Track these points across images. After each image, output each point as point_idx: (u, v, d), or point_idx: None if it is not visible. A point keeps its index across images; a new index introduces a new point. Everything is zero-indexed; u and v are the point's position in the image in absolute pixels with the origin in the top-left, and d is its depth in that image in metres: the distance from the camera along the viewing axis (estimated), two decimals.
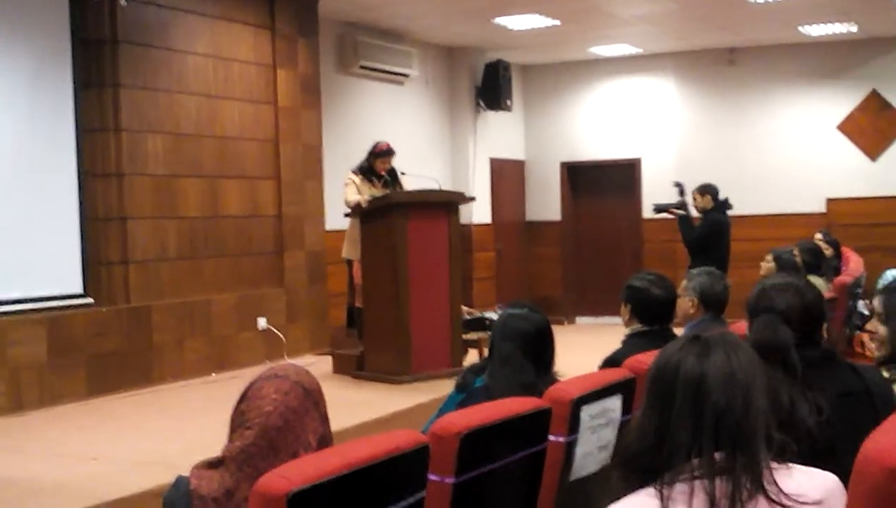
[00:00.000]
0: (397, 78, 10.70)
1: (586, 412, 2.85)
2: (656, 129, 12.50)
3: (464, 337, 7.69)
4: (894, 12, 9.99)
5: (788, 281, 2.75)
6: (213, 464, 2.19)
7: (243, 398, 2.24)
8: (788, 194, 11.85)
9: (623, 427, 2.98)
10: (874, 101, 11.60)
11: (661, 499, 1.67)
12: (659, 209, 9.29)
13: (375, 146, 7.96)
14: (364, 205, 7.43)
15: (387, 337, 7.25)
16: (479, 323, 8.11)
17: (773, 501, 1.66)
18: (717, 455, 1.68)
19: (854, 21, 10.56)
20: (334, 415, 2.32)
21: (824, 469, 1.78)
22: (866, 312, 6.80)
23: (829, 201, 11.77)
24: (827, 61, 11.75)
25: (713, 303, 4.34)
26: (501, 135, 12.50)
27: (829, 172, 11.74)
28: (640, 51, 12.17)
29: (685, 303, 4.33)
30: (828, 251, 8.13)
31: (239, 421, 2.21)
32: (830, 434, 2.36)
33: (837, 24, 10.73)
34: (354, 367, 7.57)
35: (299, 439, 2.18)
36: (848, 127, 11.73)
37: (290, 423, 2.17)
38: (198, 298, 7.93)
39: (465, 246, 10.55)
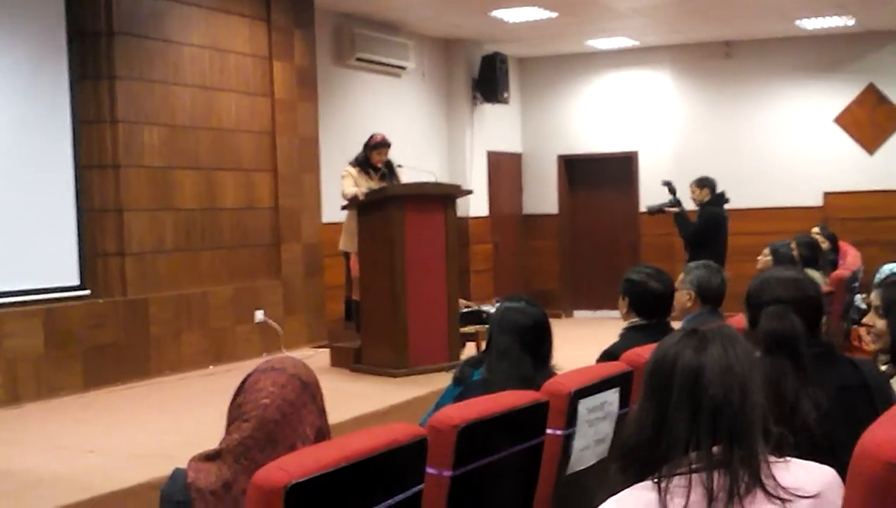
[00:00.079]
0: (394, 70, 10.68)
1: (584, 405, 2.85)
2: (653, 122, 12.50)
3: (461, 330, 7.69)
4: (891, 5, 9.99)
5: (790, 274, 2.75)
6: (210, 457, 2.19)
7: (240, 391, 2.24)
8: (785, 188, 11.86)
9: (620, 420, 2.98)
10: (871, 95, 11.61)
11: (659, 492, 1.67)
12: (652, 211, 9.30)
13: (371, 138, 7.96)
14: (361, 197, 7.42)
15: (384, 330, 7.25)
16: (477, 317, 8.11)
17: (771, 494, 1.66)
18: (714, 449, 1.68)
19: (851, 14, 10.56)
20: (331, 408, 2.32)
21: (822, 462, 1.78)
22: (863, 306, 6.81)
23: (827, 195, 11.78)
24: (824, 55, 11.75)
25: (710, 297, 4.35)
26: (498, 127, 12.49)
27: (826, 166, 11.75)
28: (636, 43, 12.16)
29: (683, 297, 4.34)
30: (825, 245, 8.12)
31: (236, 413, 2.21)
32: (829, 428, 2.36)
33: (834, 18, 10.73)
34: (352, 360, 7.58)
35: (297, 432, 2.18)
36: (845, 120, 11.73)
37: (287, 416, 2.17)
38: (194, 290, 7.92)
39: (463, 239, 10.55)
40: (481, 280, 11.87)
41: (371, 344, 7.42)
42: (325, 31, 9.72)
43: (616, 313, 4.31)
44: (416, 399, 6.45)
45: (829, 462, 1.79)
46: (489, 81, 11.69)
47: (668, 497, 1.66)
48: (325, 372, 7.21)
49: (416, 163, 8.89)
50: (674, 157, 12.24)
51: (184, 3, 7.89)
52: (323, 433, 2.23)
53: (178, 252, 7.82)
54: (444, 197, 7.56)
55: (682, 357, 1.75)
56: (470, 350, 7.70)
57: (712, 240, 8.56)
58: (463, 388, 3.39)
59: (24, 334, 6.64)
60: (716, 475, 1.66)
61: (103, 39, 7.26)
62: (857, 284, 7.69)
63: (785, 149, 11.93)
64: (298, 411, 2.19)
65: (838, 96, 11.73)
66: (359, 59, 10.03)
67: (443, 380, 5.70)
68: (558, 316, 12.20)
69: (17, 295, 6.75)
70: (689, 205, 9.10)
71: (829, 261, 7.78)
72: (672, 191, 9.07)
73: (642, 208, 9.72)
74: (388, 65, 10.47)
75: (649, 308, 4.03)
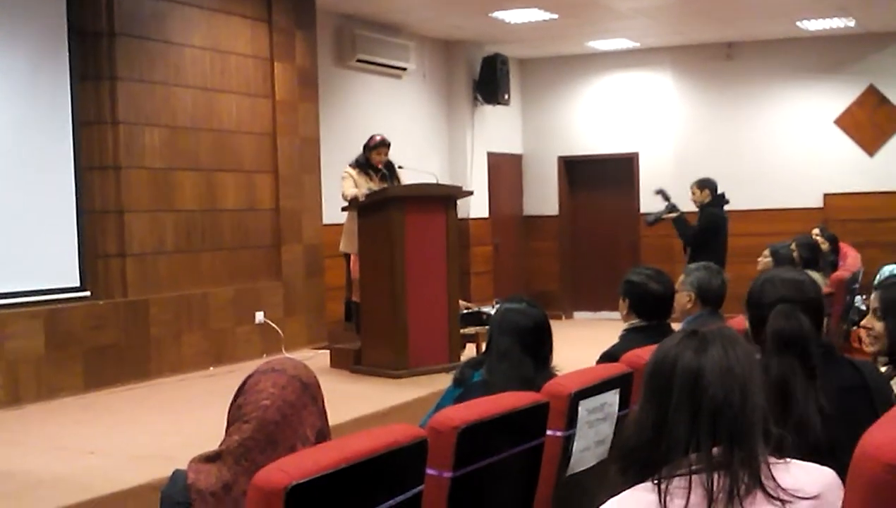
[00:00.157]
0: (395, 71, 10.68)
1: (584, 406, 2.85)
2: (654, 124, 12.50)
3: (461, 331, 7.69)
4: (892, 7, 10.00)
5: (791, 275, 2.76)
6: (210, 458, 2.19)
7: (240, 392, 2.24)
8: (786, 189, 11.86)
9: (620, 421, 2.98)
10: (872, 96, 11.61)
11: (659, 493, 1.67)
12: (652, 222, 9.32)
13: (370, 139, 7.96)
14: (361, 198, 7.42)
15: (384, 332, 7.25)
16: (477, 318, 8.11)
17: (771, 496, 1.67)
18: (714, 450, 1.68)
19: (852, 16, 10.56)
20: (332, 409, 2.32)
21: (822, 464, 1.79)
22: (864, 307, 6.81)
23: (827, 196, 11.78)
24: (825, 56, 11.75)
25: (711, 298, 4.35)
26: (499, 129, 12.49)
27: (826, 167, 11.75)
28: (637, 45, 12.16)
29: (683, 298, 4.34)
30: (825, 246, 8.13)
31: (236, 414, 2.21)
32: (830, 429, 2.36)
33: (835, 19, 10.73)
34: (352, 361, 7.58)
35: (297, 433, 2.18)
36: (845, 122, 11.73)
37: (287, 417, 2.17)
38: (195, 292, 7.93)
39: (463, 240, 10.55)
40: (481, 281, 11.87)
41: (371, 345, 7.42)
42: (327, 33, 9.73)
43: (616, 314, 4.31)
44: (416, 400, 6.45)
45: (828, 463, 1.79)
46: (490, 82, 11.69)
47: (668, 498, 1.66)
48: (326, 374, 7.21)
49: (417, 165, 8.89)
50: (674, 159, 12.24)
51: (185, 4, 7.90)
52: (323, 434, 2.23)
53: (178, 253, 7.82)
54: (444, 198, 7.56)
55: (683, 358, 1.75)
56: (470, 351, 7.69)
57: (712, 242, 8.56)
58: (463, 389, 3.39)
59: (25, 335, 6.64)
60: (716, 476, 1.66)
61: (104, 40, 7.27)
62: (857, 285, 7.69)
63: (785, 151, 11.93)
64: (299, 412, 2.19)
65: (839, 97, 11.73)
66: (360, 61, 10.03)
67: (443, 382, 5.71)
68: (558, 318, 12.20)
69: (17, 297, 6.75)
70: (689, 206, 9.10)
71: (829, 263, 7.78)
72: (666, 198, 9.08)
73: (647, 203, 9.71)
74: (388, 66, 10.48)
75: (649, 309, 4.04)
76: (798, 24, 10.94)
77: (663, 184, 10.23)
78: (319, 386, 2.28)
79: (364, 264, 7.52)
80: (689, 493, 1.65)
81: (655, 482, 1.68)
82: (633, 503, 1.69)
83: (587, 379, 2.95)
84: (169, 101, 7.74)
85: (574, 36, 11.54)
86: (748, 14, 10.49)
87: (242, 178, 8.43)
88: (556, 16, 10.19)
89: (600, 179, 12.99)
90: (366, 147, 7.94)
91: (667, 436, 1.71)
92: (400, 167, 8.10)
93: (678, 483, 1.67)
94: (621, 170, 12.72)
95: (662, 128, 12.46)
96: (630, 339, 3.89)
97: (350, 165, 7.91)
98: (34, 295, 6.85)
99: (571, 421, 2.81)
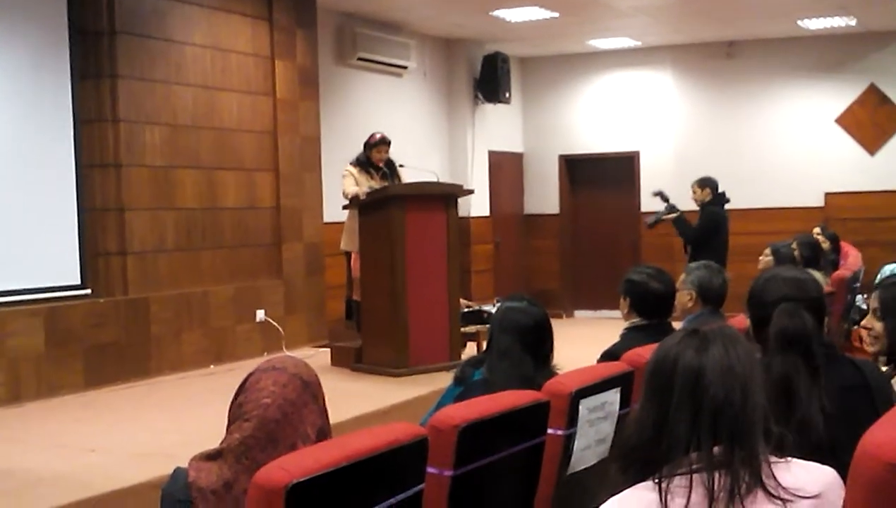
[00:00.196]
0: (395, 70, 10.68)
1: (585, 405, 2.85)
2: (654, 123, 12.49)
3: (462, 329, 7.69)
4: (893, 6, 9.99)
5: (793, 274, 2.75)
6: (211, 456, 2.19)
7: (241, 390, 2.24)
8: (787, 188, 11.85)
9: (621, 420, 2.98)
10: (873, 95, 11.60)
11: (660, 492, 1.67)
12: (652, 224, 9.34)
13: (370, 137, 7.96)
14: (362, 197, 7.42)
15: (385, 330, 7.25)
16: (478, 316, 8.12)
17: (772, 495, 1.67)
18: (715, 449, 1.68)
19: (853, 15, 10.56)
20: (332, 408, 2.32)
21: (823, 463, 1.79)
22: (864, 306, 6.80)
23: (828, 195, 11.78)
24: (825, 55, 11.74)
25: (712, 297, 4.35)
26: (500, 127, 12.49)
27: (827, 166, 11.74)
28: (638, 43, 12.16)
29: (684, 297, 4.34)
30: (826, 245, 8.12)
31: (237, 413, 2.21)
32: (831, 429, 2.36)
33: (836, 18, 10.73)
34: (352, 360, 7.58)
35: (298, 431, 2.18)
36: (846, 121, 11.73)
37: (288, 416, 2.17)
38: (195, 290, 7.93)
39: (464, 238, 10.55)
40: (482, 279, 11.87)
41: (372, 343, 7.43)
42: (327, 31, 9.72)
43: (617, 313, 4.31)
44: (416, 398, 6.45)
45: (829, 462, 1.79)
46: (490, 81, 11.69)
47: (668, 497, 1.66)
48: (326, 372, 7.21)
49: (418, 163, 8.89)
50: (675, 157, 12.24)
51: (186, 2, 7.90)
52: (324, 432, 2.23)
53: (179, 251, 7.82)
54: (445, 196, 7.56)
55: (684, 357, 1.75)
56: (471, 350, 7.70)
57: (713, 240, 8.56)
58: (464, 388, 3.38)
59: (26, 333, 6.64)
60: (717, 475, 1.66)
61: (105, 38, 7.27)
62: (858, 284, 7.69)
63: (786, 150, 11.93)
64: (299, 410, 2.19)
65: (840, 96, 11.73)
66: (360, 59, 10.03)
67: (443, 380, 5.71)
68: (559, 316, 12.20)
69: (18, 295, 6.75)
70: (688, 205, 9.11)
71: (830, 262, 7.78)
72: (665, 199, 9.09)
73: (648, 202, 9.72)
74: (389, 64, 10.48)
75: (650, 308, 4.03)
76: (799, 22, 10.93)
77: (664, 182, 10.25)
78: (320, 385, 2.28)
79: (365, 262, 7.52)
80: (690, 492, 1.65)
81: (656, 481, 1.68)
82: (634, 502, 1.69)
83: (588, 377, 2.95)
84: (170, 99, 7.74)
85: (575, 34, 11.53)
86: (749, 13, 10.49)
87: (243, 177, 8.43)
88: (556, 14, 10.19)
89: (601, 178, 12.98)
90: (366, 145, 7.94)
91: (668, 435, 1.71)
92: (401, 165, 8.09)
93: (679, 482, 1.67)
94: (622, 168, 12.71)
95: (663, 127, 12.46)
96: (631, 338, 3.89)
97: (351, 164, 7.90)
98: (35, 293, 6.85)
99: (572, 419, 2.81)
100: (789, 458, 1.75)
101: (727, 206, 9.05)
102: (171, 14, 7.78)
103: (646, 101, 12.54)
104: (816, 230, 8.76)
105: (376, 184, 7.73)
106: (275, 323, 8.50)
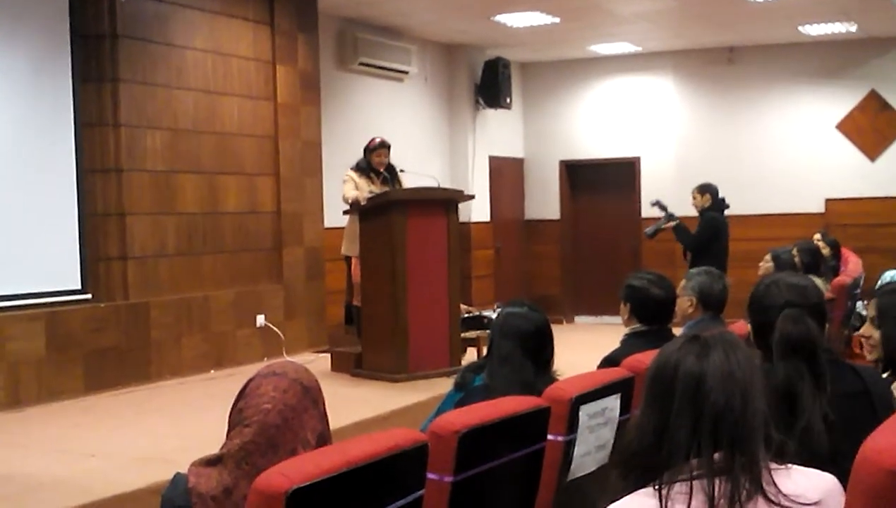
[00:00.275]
0: (396, 75, 10.69)
1: (585, 411, 2.85)
2: (655, 128, 12.50)
3: (462, 335, 7.69)
4: (893, 12, 9.99)
5: (795, 280, 2.75)
6: (211, 462, 2.19)
7: (242, 395, 2.24)
8: (787, 194, 11.85)
9: (621, 426, 2.98)
10: (873, 101, 11.61)
11: (660, 499, 1.67)
12: (651, 235, 9.35)
13: (370, 141, 7.96)
14: (363, 202, 7.42)
15: (385, 335, 7.25)
16: (478, 322, 8.11)
17: (772, 501, 1.66)
18: (716, 456, 1.68)
19: (853, 21, 10.56)
20: (332, 413, 2.32)
21: (823, 469, 1.78)
22: (864, 313, 6.79)
23: (828, 201, 11.78)
24: (826, 61, 11.75)
25: (712, 303, 4.34)
26: (500, 132, 12.49)
27: (827, 172, 11.75)
28: (639, 49, 12.17)
29: (684, 303, 4.33)
30: (826, 251, 8.13)
31: (237, 418, 2.21)
32: (832, 436, 2.36)
33: (837, 24, 10.73)
34: (353, 365, 7.57)
35: (298, 437, 2.18)
36: (847, 127, 11.73)
37: (288, 421, 2.17)
38: (196, 294, 7.93)
39: (464, 244, 10.55)
40: (483, 285, 11.87)
41: (372, 348, 7.42)
42: (329, 36, 9.74)
43: (617, 319, 4.30)
44: (417, 404, 6.45)
45: (830, 469, 1.79)
46: (491, 86, 11.70)
47: (669, 503, 1.66)
48: (326, 377, 7.21)
49: (419, 168, 8.90)
50: (676, 163, 12.24)
51: (187, 6, 7.90)
52: (324, 438, 2.23)
53: (179, 256, 7.82)
54: (446, 201, 7.56)
55: (684, 363, 1.75)
56: (471, 355, 7.70)
57: (713, 246, 8.58)
58: (464, 394, 3.38)
59: (26, 337, 6.64)
60: (717, 481, 1.66)
61: (106, 42, 7.27)
62: (858, 291, 7.68)
63: (787, 155, 11.93)
64: (300, 416, 2.19)
65: (840, 102, 11.73)
66: (362, 64, 10.04)
67: (444, 386, 5.70)
68: (559, 322, 12.20)
69: (18, 299, 6.75)
70: (687, 211, 9.12)
71: (830, 268, 7.78)
72: (663, 208, 9.11)
73: (648, 207, 9.73)
74: (390, 69, 10.48)
75: (651, 314, 4.03)
76: (800, 28, 10.94)
77: (664, 188, 10.27)
78: (320, 390, 2.28)
79: (365, 267, 7.51)
80: (691, 499, 1.65)
81: (656, 487, 1.68)
82: None
83: (588, 383, 2.95)
84: (171, 104, 7.74)
85: (576, 40, 11.54)
86: (749, 18, 10.50)
87: (244, 181, 8.44)
88: (557, 20, 10.20)
89: (602, 183, 12.99)
90: (366, 149, 7.94)
91: (668, 441, 1.70)
92: (402, 170, 8.10)
93: (679, 488, 1.67)
94: (623, 174, 12.71)
95: (664, 133, 12.46)
96: (631, 344, 3.89)
97: (352, 168, 7.91)
98: (35, 298, 6.85)
99: (572, 425, 2.81)
100: (790, 465, 1.75)
101: (727, 212, 9.06)
102: (172, 18, 7.79)
103: (646, 107, 12.55)
104: (817, 236, 8.76)
105: (377, 188, 7.73)
106: (275, 328, 8.49)
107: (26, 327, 6.65)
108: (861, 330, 3.16)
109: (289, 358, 7.67)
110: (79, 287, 7.22)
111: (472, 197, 8.24)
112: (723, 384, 1.71)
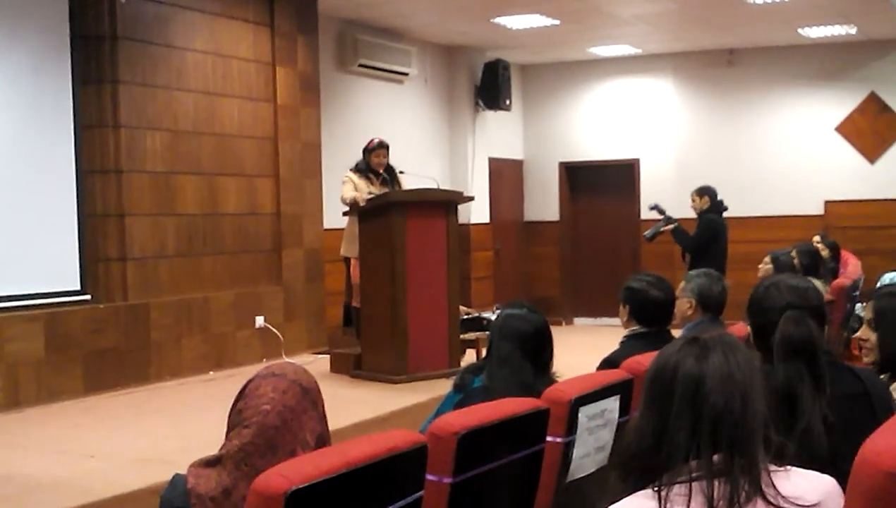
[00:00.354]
0: (396, 76, 10.69)
1: (584, 413, 2.85)
2: (655, 130, 12.50)
3: (462, 336, 7.69)
4: (893, 14, 10.00)
5: (795, 282, 2.75)
6: (210, 463, 2.19)
7: (241, 396, 2.24)
8: (786, 196, 11.86)
9: (621, 428, 2.98)
10: (873, 104, 11.61)
11: (659, 500, 1.67)
12: (650, 238, 9.37)
13: (369, 142, 7.96)
14: (362, 203, 7.42)
15: (384, 337, 7.25)
16: (477, 323, 8.11)
17: (771, 503, 1.66)
18: (715, 457, 1.68)
19: (853, 23, 10.57)
20: (332, 414, 2.32)
21: (822, 471, 1.78)
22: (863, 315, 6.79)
23: (828, 203, 11.78)
24: (826, 63, 11.75)
25: (711, 305, 4.35)
26: (500, 134, 12.49)
27: (827, 174, 11.75)
28: (639, 51, 12.17)
29: (683, 305, 4.34)
30: (825, 253, 8.13)
31: (237, 419, 2.21)
32: (832, 438, 2.36)
33: (836, 26, 10.74)
34: (352, 366, 7.57)
35: (297, 438, 2.18)
36: (846, 129, 11.73)
37: (287, 422, 2.17)
38: (196, 296, 7.92)
39: (464, 245, 10.55)
40: (482, 286, 11.86)
41: (371, 350, 7.42)
42: (329, 38, 9.74)
43: (616, 321, 4.30)
44: (416, 405, 6.44)
45: (829, 471, 1.79)
46: (491, 88, 11.70)
47: (668, 505, 1.66)
48: (326, 378, 7.20)
49: (418, 170, 8.90)
50: (675, 165, 12.24)
51: (187, 8, 7.91)
52: (323, 439, 2.23)
53: (179, 257, 7.82)
54: (445, 203, 7.56)
55: (684, 365, 1.75)
56: (470, 357, 7.69)
57: (712, 248, 8.59)
58: (463, 395, 3.38)
59: (25, 338, 6.64)
60: (716, 483, 1.66)
61: (107, 44, 7.28)
62: (857, 293, 7.69)
63: (786, 158, 11.93)
64: (299, 417, 2.19)
65: (840, 105, 11.74)
66: (361, 66, 10.04)
67: (443, 387, 5.70)
68: (559, 324, 12.20)
69: (18, 300, 6.75)
70: (686, 214, 9.13)
71: (829, 270, 7.78)
72: (661, 212, 9.13)
73: (648, 209, 9.74)
74: (390, 71, 10.49)
75: (650, 316, 4.03)
76: (799, 30, 10.95)
77: (664, 190, 10.27)
78: (320, 391, 2.28)
79: (364, 269, 7.51)
80: (690, 500, 1.65)
81: (656, 489, 1.68)
82: None
83: (587, 385, 2.95)
84: (171, 105, 7.74)
85: (575, 42, 11.55)
86: (749, 21, 10.50)
87: (244, 182, 8.44)
88: (557, 22, 10.20)
89: (601, 185, 12.99)
90: (365, 150, 7.94)
91: (667, 443, 1.70)
92: (401, 172, 8.10)
93: (678, 490, 1.67)
94: (622, 176, 12.72)
95: (663, 135, 12.47)
96: (630, 346, 3.89)
97: (351, 170, 7.91)
98: (34, 299, 6.85)
99: (571, 427, 2.81)
100: (789, 467, 1.75)
101: (725, 214, 9.07)
102: (172, 20, 7.79)
103: (646, 109, 12.55)
104: (816, 238, 8.77)
105: (376, 189, 7.73)
106: (274, 330, 8.49)
107: (26, 328, 6.65)
108: (858, 333, 3.16)
109: (288, 360, 7.68)
110: (78, 288, 7.22)
111: (471, 198, 8.24)
112: (722, 386, 1.71)
